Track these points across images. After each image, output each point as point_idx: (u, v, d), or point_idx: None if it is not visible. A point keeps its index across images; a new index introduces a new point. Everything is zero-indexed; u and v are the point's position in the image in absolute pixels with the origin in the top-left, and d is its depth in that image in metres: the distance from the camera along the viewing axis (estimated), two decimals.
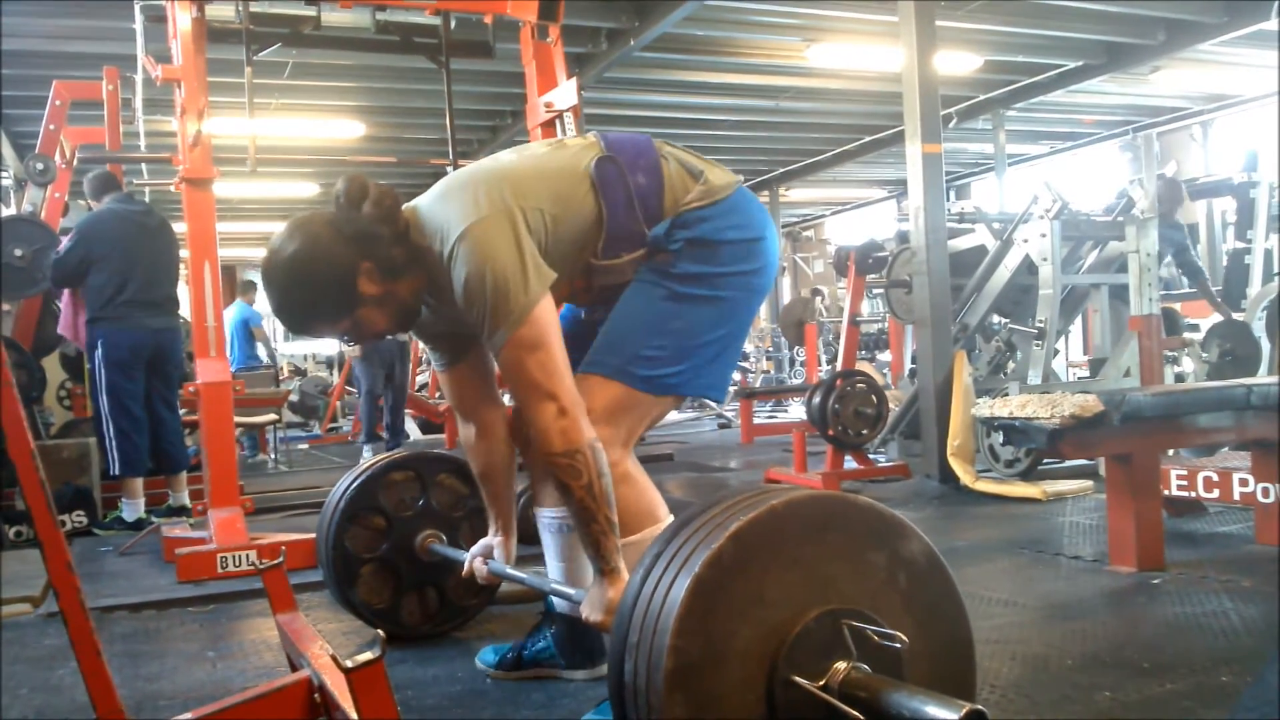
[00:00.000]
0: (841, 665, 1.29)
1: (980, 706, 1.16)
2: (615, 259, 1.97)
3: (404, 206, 1.95)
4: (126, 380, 4.80)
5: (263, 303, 9.74)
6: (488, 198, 1.86)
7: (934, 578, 1.41)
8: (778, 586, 1.30)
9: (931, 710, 1.19)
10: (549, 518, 2.20)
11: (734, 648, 1.27)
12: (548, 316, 1.83)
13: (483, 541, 2.36)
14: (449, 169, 5.13)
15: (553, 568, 2.25)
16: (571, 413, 1.79)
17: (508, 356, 1.82)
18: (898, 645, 1.30)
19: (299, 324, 1.93)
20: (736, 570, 1.28)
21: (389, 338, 4.98)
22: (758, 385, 11.82)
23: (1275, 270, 6.10)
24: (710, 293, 1.97)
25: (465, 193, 1.89)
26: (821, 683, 1.28)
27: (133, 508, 4.87)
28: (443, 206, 1.90)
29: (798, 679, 1.27)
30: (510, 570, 2.24)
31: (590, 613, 1.83)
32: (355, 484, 2.69)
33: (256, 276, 9.19)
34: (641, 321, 1.96)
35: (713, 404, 2.36)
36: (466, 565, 2.34)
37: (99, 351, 4.76)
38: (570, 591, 1.96)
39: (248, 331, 9.86)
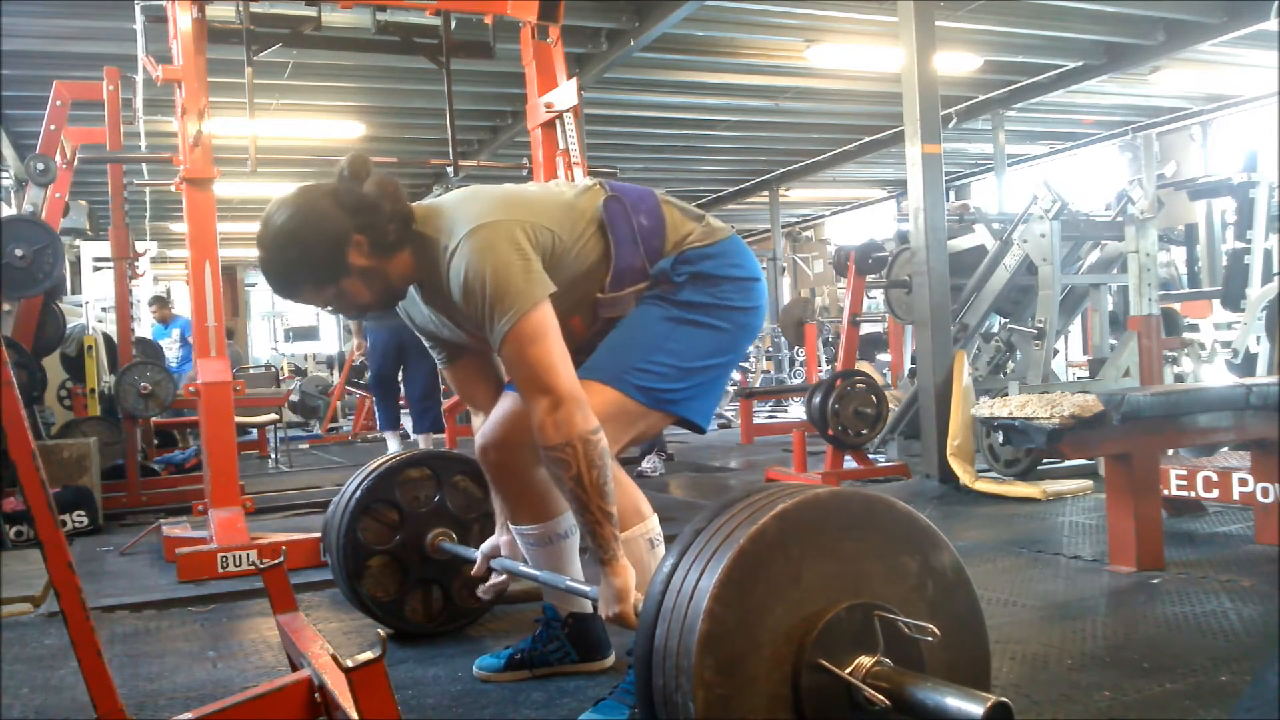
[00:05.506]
0: (867, 658, 1.31)
1: (1005, 699, 1.17)
2: (619, 291, 2.04)
3: (419, 204, 2.00)
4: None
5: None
6: (501, 208, 1.93)
7: (960, 592, 1.45)
8: (814, 573, 1.34)
9: (956, 703, 1.21)
10: (526, 533, 2.27)
11: (767, 624, 1.30)
12: (546, 314, 1.86)
13: (490, 540, 2.37)
14: (449, 169, 5.15)
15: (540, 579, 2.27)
16: (566, 405, 1.80)
17: (507, 351, 1.86)
18: (928, 639, 1.33)
19: (284, 284, 1.94)
20: (778, 549, 1.32)
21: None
22: (758, 385, 11.81)
23: (1275, 270, 6.09)
24: (710, 321, 2.05)
25: (480, 202, 1.96)
26: (848, 670, 1.30)
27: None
28: (456, 207, 1.96)
29: (824, 663, 1.30)
30: (522, 568, 2.25)
31: (605, 609, 1.84)
32: (372, 477, 2.69)
33: None
34: (643, 336, 2.03)
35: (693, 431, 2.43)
36: (478, 564, 2.35)
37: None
38: (586, 589, 1.97)
39: None
